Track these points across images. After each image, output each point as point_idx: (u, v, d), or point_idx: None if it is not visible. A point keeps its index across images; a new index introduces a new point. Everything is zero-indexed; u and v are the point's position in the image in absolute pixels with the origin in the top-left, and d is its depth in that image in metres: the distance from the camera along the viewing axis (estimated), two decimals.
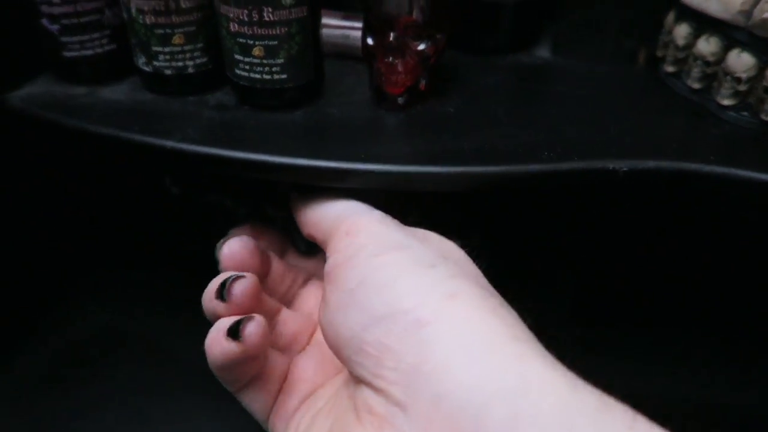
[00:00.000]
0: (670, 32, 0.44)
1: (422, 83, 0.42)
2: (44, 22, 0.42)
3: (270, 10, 0.38)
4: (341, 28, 0.48)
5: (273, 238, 0.46)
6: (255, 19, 0.38)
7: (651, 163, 0.37)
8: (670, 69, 0.44)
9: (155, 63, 0.42)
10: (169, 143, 0.39)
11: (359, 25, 0.48)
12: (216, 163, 0.38)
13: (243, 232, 0.42)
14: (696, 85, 0.42)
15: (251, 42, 0.39)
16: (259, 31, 0.38)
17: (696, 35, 0.41)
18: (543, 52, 0.50)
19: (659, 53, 0.46)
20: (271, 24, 0.38)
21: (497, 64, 0.48)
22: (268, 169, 0.38)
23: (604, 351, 0.48)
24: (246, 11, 0.38)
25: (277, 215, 0.48)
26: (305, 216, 0.38)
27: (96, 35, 0.44)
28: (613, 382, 0.24)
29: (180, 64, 0.42)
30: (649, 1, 0.45)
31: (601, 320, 0.49)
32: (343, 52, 0.49)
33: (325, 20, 0.46)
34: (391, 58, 0.40)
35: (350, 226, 0.33)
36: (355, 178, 0.37)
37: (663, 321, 0.50)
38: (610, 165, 0.37)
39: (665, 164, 0.37)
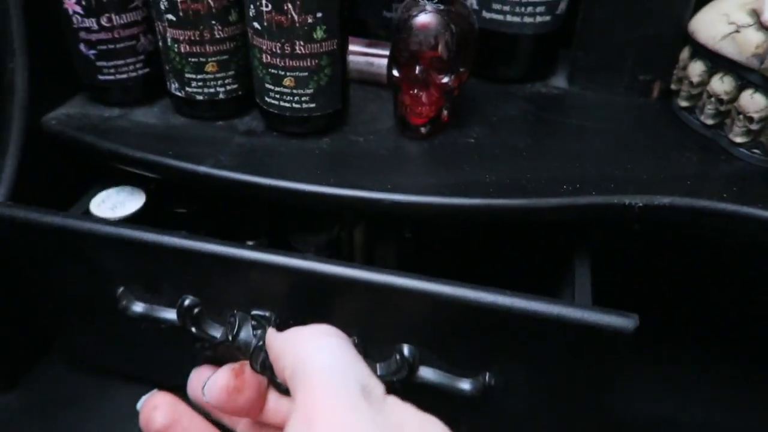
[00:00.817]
0: (684, 68, 0.46)
1: (445, 114, 0.44)
2: (81, 47, 0.44)
3: (302, 43, 0.39)
4: (365, 56, 0.50)
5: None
6: (287, 52, 0.40)
7: (665, 199, 0.38)
8: (683, 104, 0.46)
9: (188, 89, 0.44)
10: (202, 169, 0.40)
11: (383, 52, 0.50)
12: (247, 188, 0.40)
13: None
14: (709, 121, 0.44)
15: (282, 73, 0.41)
16: (291, 62, 0.40)
17: (710, 73, 0.43)
18: (560, 82, 0.52)
19: (673, 87, 0.48)
20: (303, 56, 0.40)
21: (516, 94, 0.50)
22: (297, 197, 0.39)
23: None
24: (279, 44, 0.39)
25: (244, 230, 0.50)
26: (275, 361, 0.32)
27: (130, 60, 0.45)
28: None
29: (212, 90, 0.44)
30: (664, 35, 0.46)
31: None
32: (367, 79, 0.50)
33: (349, 47, 0.48)
34: (416, 91, 0.42)
35: (310, 409, 0.27)
36: (381, 207, 0.38)
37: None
38: (626, 200, 0.38)
39: (679, 200, 0.38)
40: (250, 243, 0.48)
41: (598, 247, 0.42)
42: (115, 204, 0.44)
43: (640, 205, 0.38)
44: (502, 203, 0.38)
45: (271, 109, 0.43)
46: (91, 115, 0.46)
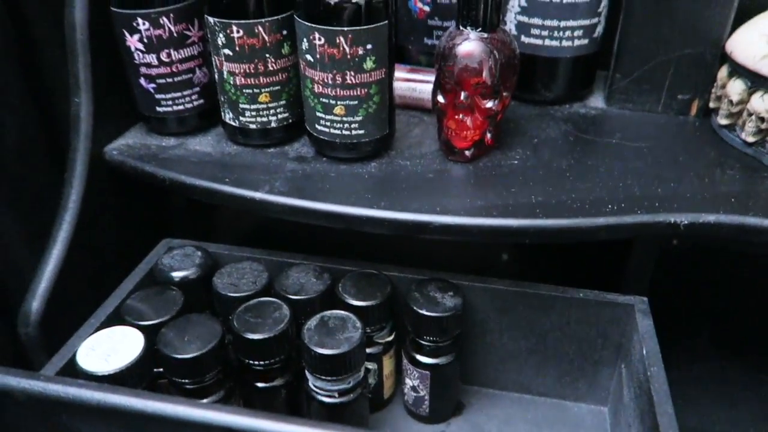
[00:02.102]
0: (723, 87, 0.47)
1: (488, 137, 0.45)
2: (142, 81, 0.47)
3: (353, 74, 0.41)
4: (408, 81, 0.52)
5: None
6: (338, 82, 0.42)
7: (710, 217, 0.39)
8: (723, 122, 0.47)
9: (242, 118, 0.46)
10: (259, 195, 0.42)
11: (425, 78, 0.51)
12: (302, 214, 0.42)
13: None
14: (750, 139, 0.44)
15: (333, 102, 0.42)
16: (342, 92, 0.42)
17: (750, 92, 0.44)
18: (597, 103, 0.53)
19: (712, 105, 0.49)
20: (353, 86, 0.42)
21: (555, 115, 0.51)
22: (350, 221, 0.41)
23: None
24: (330, 75, 0.41)
25: None
26: None
27: (187, 92, 0.48)
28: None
29: (264, 119, 0.46)
30: (701, 55, 0.47)
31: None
32: (410, 104, 0.52)
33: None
34: (461, 116, 0.44)
35: None
36: (432, 230, 0.40)
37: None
38: (672, 218, 0.39)
39: (724, 218, 0.39)
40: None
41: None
42: (107, 352, 0.38)
43: (686, 223, 0.39)
44: (550, 224, 0.39)
45: (321, 136, 0.44)
46: (149, 145, 0.49)
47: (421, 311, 0.43)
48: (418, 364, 0.46)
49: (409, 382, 0.47)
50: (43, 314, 0.44)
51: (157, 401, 0.32)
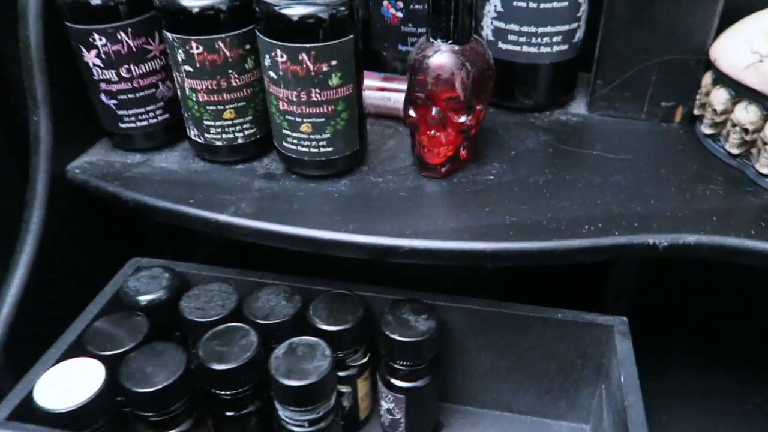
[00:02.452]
0: (707, 94, 0.45)
1: (463, 152, 0.44)
2: (102, 97, 0.45)
3: (318, 91, 0.39)
4: (382, 90, 0.50)
5: None
6: (303, 99, 0.40)
7: (691, 238, 0.38)
8: (707, 131, 0.45)
9: (207, 135, 0.44)
10: (223, 217, 0.41)
11: (399, 86, 0.49)
12: (267, 237, 0.40)
13: None
14: (734, 150, 0.43)
15: (299, 119, 0.41)
16: (308, 109, 0.40)
17: (734, 102, 0.42)
18: (579, 109, 0.51)
19: (696, 112, 0.47)
20: (319, 103, 0.40)
21: (534, 123, 0.49)
22: (317, 245, 0.39)
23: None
24: (295, 92, 0.40)
25: None
26: None
27: (150, 108, 0.46)
28: None
29: (230, 135, 0.44)
30: (685, 61, 0.45)
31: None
32: (384, 113, 0.50)
33: (365, 82, 0.48)
34: (433, 131, 0.42)
35: None
36: (402, 254, 0.38)
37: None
38: (651, 240, 0.38)
39: (705, 239, 0.38)
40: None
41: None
42: (67, 386, 0.37)
43: (665, 244, 0.38)
44: (522, 247, 0.37)
45: (289, 154, 0.43)
46: (113, 162, 0.47)
47: (393, 336, 0.42)
48: (392, 388, 0.45)
49: (384, 404, 0.46)
50: (7, 341, 0.43)
51: None
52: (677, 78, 0.47)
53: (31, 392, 0.37)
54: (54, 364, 0.39)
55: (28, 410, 0.36)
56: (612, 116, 0.50)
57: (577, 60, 0.49)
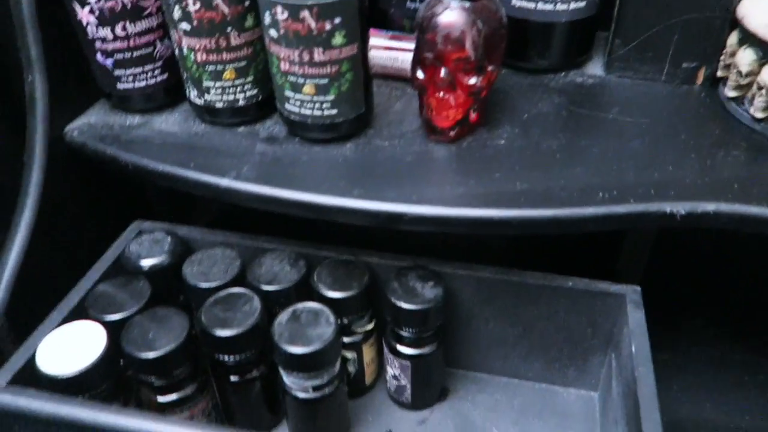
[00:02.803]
0: (732, 55, 0.42)
1: (473, 115, 0.42)
2: (98, 57, 0.43)
3: (321, 50, 0.38)
4: (389, 50, 0.48)
5: None
6: (306, 60, 0.38)
7: (710, 206, 0.36)
8: (731, 94, 0.43)
9: (207, 97, 0.43)
10: (225, 182, 0.40)
11: (407, 46, 0.47)
12: (269, 202, 0.39)
13: None
14: (759, 115, 0.41)
15: (302, 80, 0.39)
16: (310, 70, 0.38)
17: (761, 63, 0.40)
18: (596, 70, 0.49)
19: (720, 73, 0.44)
20: (322, 64, 0.38)
21: (549, 85, 0.47)
22: (321, 211, 0.38)
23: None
24: (297, 52, 0.38)
25: None
26: None
27: (148, 67, 0.44)
28: None
29: (231, 97, 0.43)
30: (709, 19, 0.43)
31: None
32: (392, 74, 0.48)
33: (372, 41, 0.46)
34: (442, 93, 0.40)
35: None
36: (407, 221, 0.37)
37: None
38: (668, 208, 0.36)
39: (725, 207, 0.36)
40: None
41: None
42: (68, 351, 0.36)
43: (683, 213, 0.36)
44: (532, 215, 0.36)
45: (292, 117, 0.41)
46: (112, 124, 0.46)
47: (399, 303, 0.41)
48: (398, 354, 0.44)
49: (390, 371, 0.46)
50: (9, 304, 0.42)
51: (108, 413, 0.30)
52: (700, 38, 0.44)
53: (33, 357, 0.37)
54: (55, 328, 0.39)
55: (30, 375, 0.36)
56: (630, 78, 0.47)
57: (595, 18, 0.47)
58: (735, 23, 0.42)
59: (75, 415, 0.30)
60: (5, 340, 0.43)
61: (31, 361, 0.37)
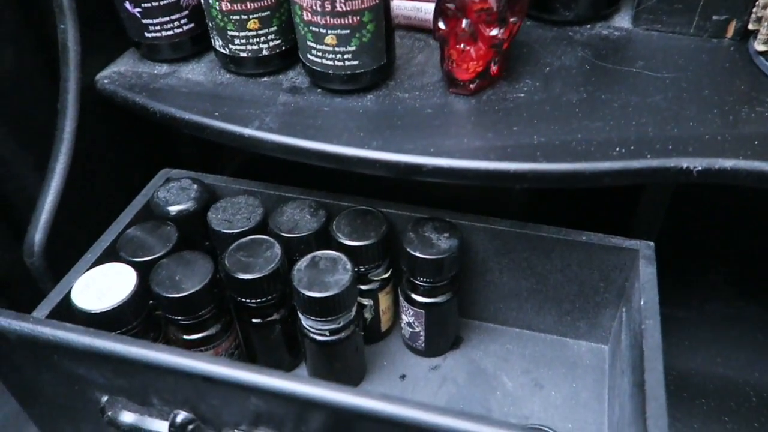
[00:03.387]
0: (765, 7, 0.41)
1: (494, 68, 0.42)
2: (127, 5, 0.44)
3: (342, 0, 0.38)
4: (413, 0, 0.48)
5: None
6: (327, 10, 0.38)
7: (728, 162, 0.36)
8: (761, 48, 0.42)
9: (231, 46, 0.43)
10: (248, 131, 0.41)
11: None
12: (291, 152, 0.40)
13: None
14: None
15: (324, 31, 0.39)
16: (332, 20, 0.39)
17: None
18: (623, 23, 0.48)
19: (751, 27, 0.43)
20: (344, 14, 0.38)
21: (573, 38, 0.47)
22: (341, 161, 0.39)
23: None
24: (319, 2, 0.38)
25: None
26: None
27: (175, 16, 0.45)
28: None
29: (255, 47, 0.43)
30: None
31: None
32: (415, 25, 0.48)
33: None
34: (463, 45, 0.40)
35: None
36: (425, 173, 0.38)
37: None
38: (684, 163, 0.36)
39: (743, 164, 0.36)
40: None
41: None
42: (101, 289, 0.39)
43: (699, 169, 0.36)
44: (548, 168, 0.36)
45: (314, 67, 0.42)
46: (141, 73, 0.47)
47: (415, 253, 0.42)
48: (413, 303, 0.45)
49: (405, 318, 0.47)
50: (46, 244, 0.45)
51: (140, 348, 0.32)
52: None
53: (68, 294, 0.39)
54: (89, 269, 0.41)
55: (66, 310, 0.39)
56: (658, 31, 0.47)
57: None
58: None
59: (108, 347, 0.33)
60: (43, 278, 0.46)
61: (67, 297, 0.39)
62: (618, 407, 0.41)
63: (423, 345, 0.48)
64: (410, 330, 0.48)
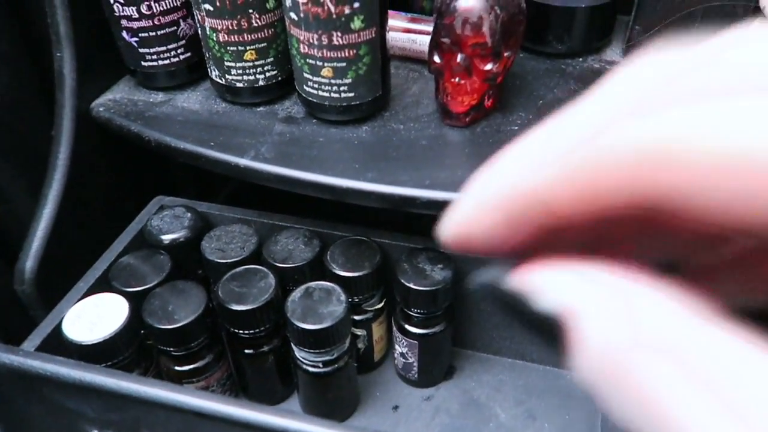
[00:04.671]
0: None
1: (488, 100, 0.42)
2: (124, 34, 0.44)
3: (339, 34, 0.38)
4: (408, 32, 0.48)
5: None
6: (324, 43, 0.39)
7: None
8: None
9: (228, 76, 0.44)
10: (243, 161, 0.41)
11: (426, 28, 0.48)
12: (285, 182, 0.40)
13: None
14: None
15: (320, 63, 0.40)
16: (329, 53, 0.39)
17: None
18: (614, 56, 0.49)
19: None
20: (341, 47, 0.39)
21: (566, 71, 0.47)
22: (335, 192, 0.39)
23: None
24: (316, 35, 0.38)
25: None
26: None
27: (172, 46, 0.45)
28: None
29: (251, 77, 0.44)
30: (737, 5, 0.42)
31: None
32: (410, 56, 0.49)
33: (391, 23, 0.46)
34: (457, 78, 0.40)
35: None
36: (419, 205, 0.38)
37: None
38: None
39: None
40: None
41: None
42: (93, 320, 0.38)
43: None
44: None
45: (310, 98, 0.42)
46: (137, 100, 0.47)
47: (409, 284, 0.42)
48: (407, 333, 0.45)
49: (398, 348, 0.47)
50: (37, 272, 0.44)
51: (131, 382, 0.32)
52: (722, 26, 0.44)
53: (59, 324, 0.39)
54: (81, 298, 0.41)
55: (57, 341, 0.38)
56: None
57: (615, 3, 0.46)
58: (758, 11, 0.41)
59: (98, 381, 0.32)
60: (34, 307, 0.45)
61: (58, 328, 0.39)
62: None
63: (416, 375, 0.48)
64: (403, 360, 0.47)
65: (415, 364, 0.47)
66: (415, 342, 0.45)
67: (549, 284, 0.13)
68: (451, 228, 0.15)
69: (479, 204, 0.14)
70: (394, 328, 0.47)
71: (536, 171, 0.13)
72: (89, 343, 0.38)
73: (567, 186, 0.12)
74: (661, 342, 0.10)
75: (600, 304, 0.11)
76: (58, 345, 0.38)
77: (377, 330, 0.47)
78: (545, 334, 0.13)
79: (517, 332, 0.48)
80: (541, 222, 0.13)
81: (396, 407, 0.47)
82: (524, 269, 0.13)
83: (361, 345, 0.47)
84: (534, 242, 0.14)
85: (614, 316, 0.11)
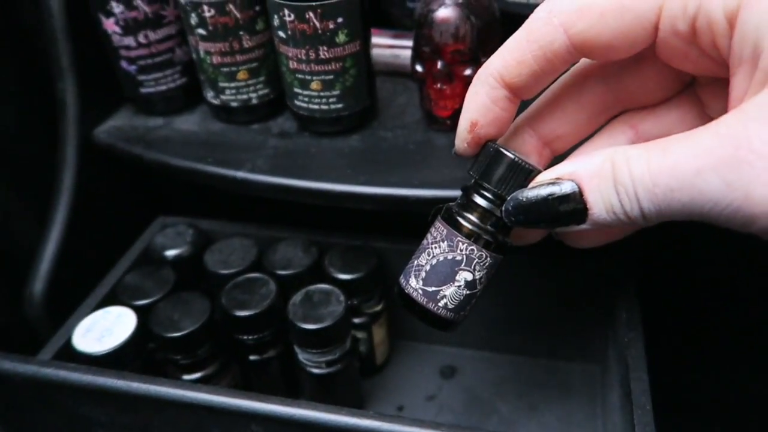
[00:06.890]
0: None
1: None
2: (123, 63, 0.47)
3: (325, 48, 0.41)
4: (391, 48, 0.51)
5: None
6: (312, 57, 0.41)
7: None
8: None
9: (222, 97, 0.46)
10: (240, 174, 0.43)
11: (408, 44, 0.50)
12: (282, 191, 0.42)
13: None
14: None
15: (309, 77, 0.42)
16: (316, 67, 0.42)
17: None
18: None
19: None
20: (327, 60, 0.41)
21: None
22: (330, 197, 0.41)
23: None
24: (303, 51, 0.41)
25: None
26: None
27: (168, 72, 0.48)
28: None
29: (245, 96, 0.46)
30: None
31: None
32: (394, 71, 0.51)
33: (375, 40, 0.49)
34: (439, 85, 0.43)
35: None
36: (411, 203, 0.40)
37: None
38: None
39: None
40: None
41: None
42: (102, 332, 0.40)
43: None
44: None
45: (301, 112, 0.44)
46: (137, 126, 0.49)
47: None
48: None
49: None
50: (46, 295, 0.46)
51: (140, 382, 0.34)
52: None
53: (70, 337, 0.40)
54: (90, 313, 0.42)
55: (68, 353, 0.40)
56: None
57: None
58: None
59: (110, 383, 0.34)
60: (43, 327, 0.47)
61: (68, 342, 0.40)
62: (610, 424, 0.42)
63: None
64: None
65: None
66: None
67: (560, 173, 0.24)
68: (464, 124, 0.29)
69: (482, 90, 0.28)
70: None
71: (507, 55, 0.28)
72: (99, 353, 0.39)
73: (533, 48, 0.26)
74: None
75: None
76: (68, 358, 0.40)
77: (378, 333, 0.49)
78: (562, 218, 0.24)
79: (514, 327, 0.50)
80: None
81: (400, 407, 0.48)
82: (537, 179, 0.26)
83: (362, 348, 0.48)
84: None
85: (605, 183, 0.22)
